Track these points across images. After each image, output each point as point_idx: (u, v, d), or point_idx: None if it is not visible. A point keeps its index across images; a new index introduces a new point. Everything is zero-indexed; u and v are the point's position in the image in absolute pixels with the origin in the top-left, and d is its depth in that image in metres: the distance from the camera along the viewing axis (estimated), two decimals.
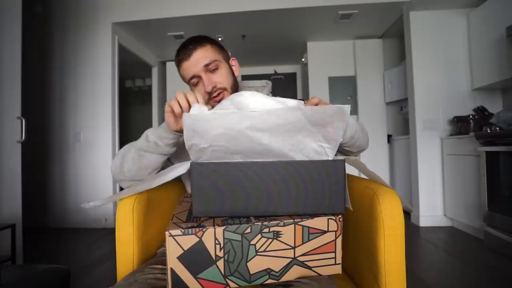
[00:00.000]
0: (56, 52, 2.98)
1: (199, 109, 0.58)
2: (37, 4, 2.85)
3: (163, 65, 4.29)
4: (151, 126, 4.27)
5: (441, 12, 2.75)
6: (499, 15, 2.29)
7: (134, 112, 5.20)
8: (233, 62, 0.88)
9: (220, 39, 3.49)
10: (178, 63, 0.81)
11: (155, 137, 0.70)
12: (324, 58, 3.66)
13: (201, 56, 0.78)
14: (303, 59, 3.97)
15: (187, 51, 0.78)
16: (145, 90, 4.94)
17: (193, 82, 0.80)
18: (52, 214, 2.89)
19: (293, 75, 4.81)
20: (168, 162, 0.81)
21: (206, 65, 0.78)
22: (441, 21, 2.75)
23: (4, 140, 1.63)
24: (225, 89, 0.80)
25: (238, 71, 0.88)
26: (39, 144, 2.92)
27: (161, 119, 4.30)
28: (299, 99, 0.61)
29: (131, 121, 5.07)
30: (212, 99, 0.79)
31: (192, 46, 0.78)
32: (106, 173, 2.88)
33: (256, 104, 0.56)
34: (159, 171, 0.74)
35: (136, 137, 0.77)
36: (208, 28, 3.25)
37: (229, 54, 0.89)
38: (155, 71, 4.19)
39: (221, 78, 0.79)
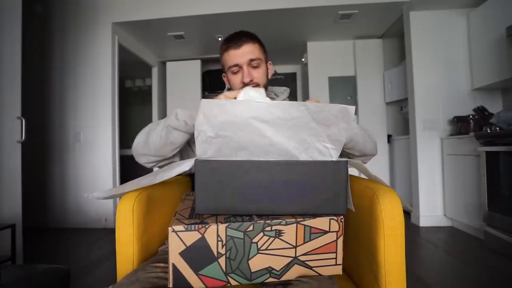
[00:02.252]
0: (56, 52, 2.98)
1: (253, 90, 0.63)
2: (37, 4, 2.85)
3: (163, 65, 4.28)
4: None
5: (441, 12, 2.75)
6: (499, 15, 2.30)
7: (134, 112, 5.19)
8: (270, 66, 0.96)
9: (220, 39, 3.50)
10: (226, 48, 0.87)
11: (185, 117, 0.73)
12: (324, 58, 3.66)
13: (249, 51, 0.86)
14: (303, 59, 3.97)
15: (239, 41, 0.85)
16: (145, 90, 4.93)
17: (233, 69, 0.87)
18: (52, 214, 2.89)
19: (293, 75, 4.80)
20: (188, 147, 0.86)
21: (251, 60, 0.85)
22: (441, 21, 2.75)
23: (4, 140, 1.63)
24: (259, 85, 0.87)
25: (271, 74, 0.96)
26: (39, 144, 2.92)
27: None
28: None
29: (131, 121, 5.05)
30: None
31: (245, 38, 0.86)
32: (106, 173, 2.88)
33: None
34: (179, 150, 0.80)
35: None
36: (208, 28, 3.25)
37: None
38: (155, 71, 4.19)
39: (259, 75, 0.88)
